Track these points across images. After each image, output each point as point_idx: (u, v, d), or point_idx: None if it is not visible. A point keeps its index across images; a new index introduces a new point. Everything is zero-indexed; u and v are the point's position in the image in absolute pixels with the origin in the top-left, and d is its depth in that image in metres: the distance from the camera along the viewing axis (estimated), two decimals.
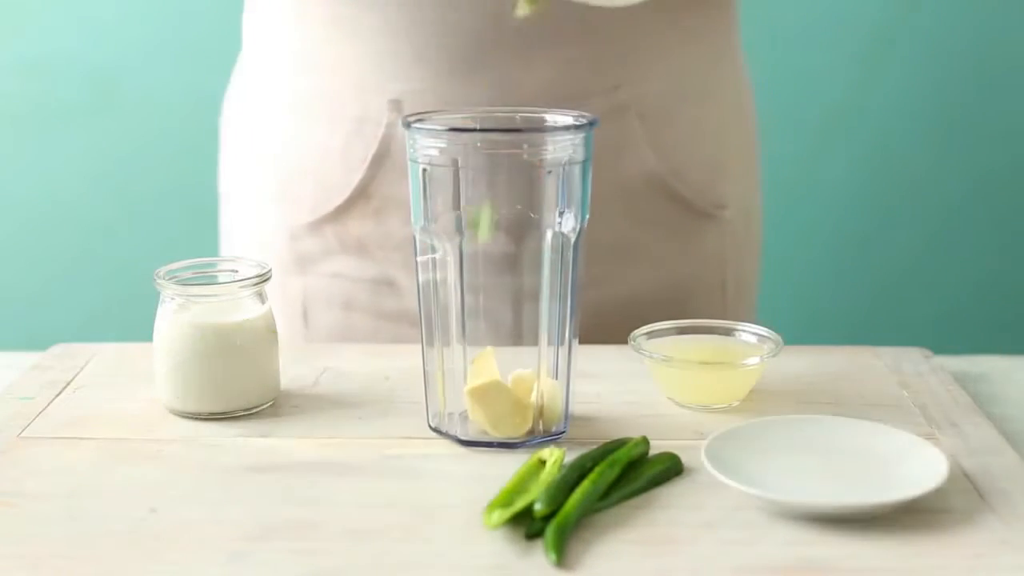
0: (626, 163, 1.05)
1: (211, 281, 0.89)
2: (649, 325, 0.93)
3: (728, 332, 0.93)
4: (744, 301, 1.16)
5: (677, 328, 0.93)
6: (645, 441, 0.80)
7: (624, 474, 0.76)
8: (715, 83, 1.10)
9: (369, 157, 1.05)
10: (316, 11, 1.05)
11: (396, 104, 1.03)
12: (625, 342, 0.92)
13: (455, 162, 0.79)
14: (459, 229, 0.80)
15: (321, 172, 1.07)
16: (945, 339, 1.43)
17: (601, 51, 1.02)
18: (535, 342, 0.81)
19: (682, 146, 1.07)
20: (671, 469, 0.78)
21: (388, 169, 1.05)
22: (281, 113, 1.09)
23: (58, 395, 0.91)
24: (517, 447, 0.82)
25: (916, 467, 0.76)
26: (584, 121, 0.81)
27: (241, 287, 0.88)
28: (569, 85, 1.00)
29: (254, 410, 0.88)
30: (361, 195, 1.06)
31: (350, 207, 1.07)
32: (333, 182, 1.07)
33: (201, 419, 0.87)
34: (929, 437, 0.83)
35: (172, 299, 0.87)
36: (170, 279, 0.87)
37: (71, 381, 0.94)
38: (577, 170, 0.80)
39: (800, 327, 1.91)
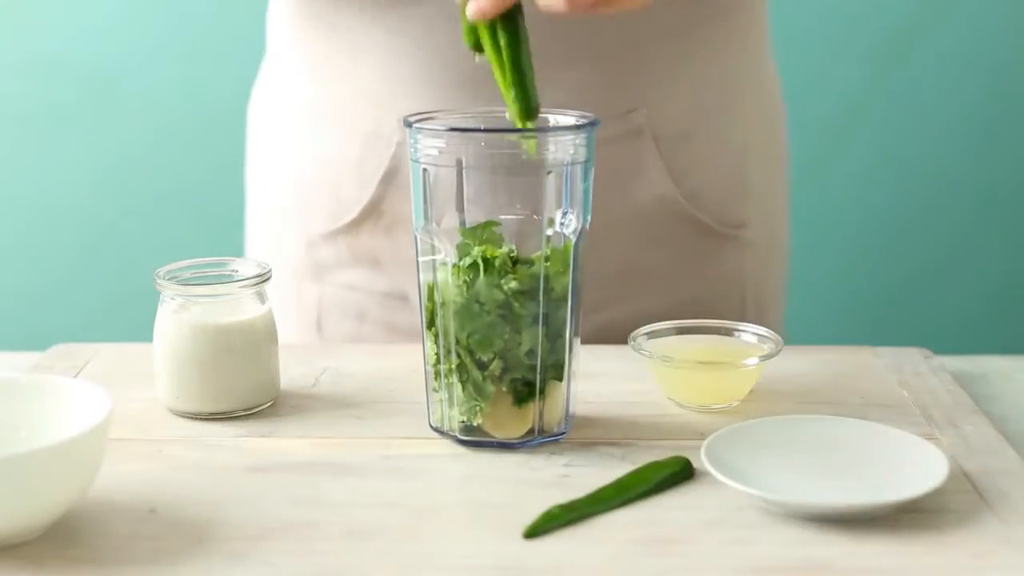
0: (639, 186, 1.03)
1: (211, 281, 0.89)
2: (649, 325, 0.93)
3: (728, 332, 0.93)
4: (767, 316, 1.12)
5: (677, 328, 0.93)
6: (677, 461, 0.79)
7: (633, 476, 0.76)
8: (738, 98, 1.07)
9: (380, 174, 1.04)
10: (328, 22, 1.04)
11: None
12: None
13: (457, 162, 0.79)
14: (460, 230, 0.80)
15: (336, 184, 1.07)
16: (945, 339, 1.43)
17: (615, 75, 1.00)
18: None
19: (700, 167, 1.05)
20: (681, 473, 0.78)
21: (399, 187, 1.04)
22: (301, 120, 1.09)
23: None
24: (517, 447, 0.82)
25: (916, 467, 0.76)
26: (585, 121, 0.81)
27: (241, 287, 0.88)
28: (582, 108, 0.99)
29: (254, 410, 0.88)
30: (373, 211, 1.06)
31: (362, 222, 1.06)
32: (347, 196, 1.06)
33: (201, 419, 0.87)
34: (929, 437, 0.83)
35: (172, 299, 0.87)
36: (170, 279, 0.87)
37: None
38: (579, 170, 0.80)
39: (800, 327, 1.91)
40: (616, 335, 1.02)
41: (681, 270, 1.07)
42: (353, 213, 1.06)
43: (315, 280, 1.10)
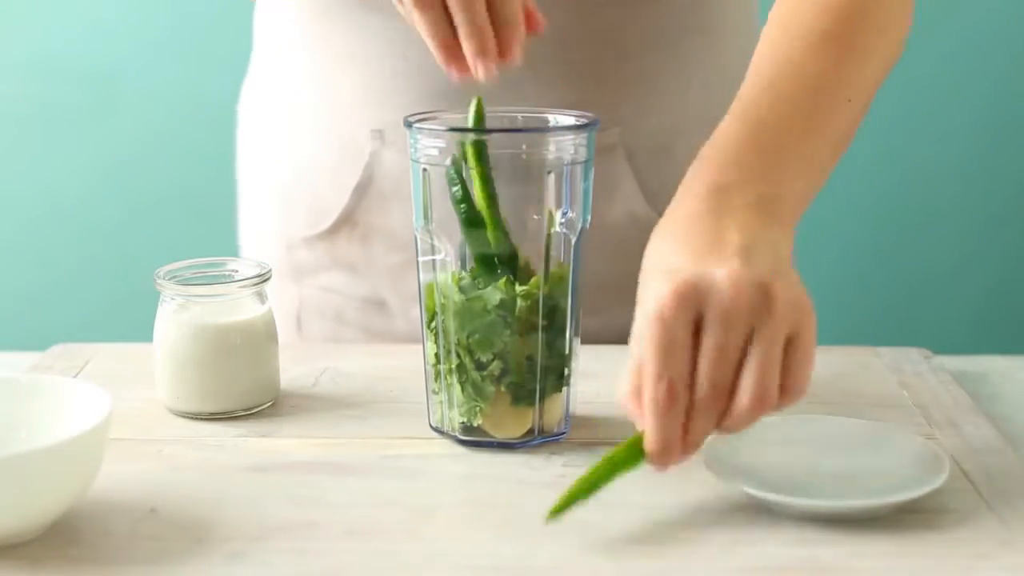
0: (611, 204, 1.02)
1: (211, 281, 0.89)
2: None
3: None
4: None
5: None
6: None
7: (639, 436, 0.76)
8: (718, 112, 1.07)
9: (353, 184, 1.04)
10: (309, 27, 1.04)
11: (379, 134, 1.02)
12: None
13: (457, 162, 0.79)
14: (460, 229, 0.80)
15: (315, 190, 1.07)
16: (945, 339, 1.43)
17: (589, 92, 0.99)
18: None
19: (672, 184, 1.05)
20: None
21: (372, 198, 1.04)
22: (285, 123, 1.09)
23: None
24: (517, 447, 0.82)
25: (916, 467, 0.76)
26: (585, 121, 0.81)
27: (241, 287, 0.88)
28: None
29: (254, 410, 0.88)
30: (347, 220, 1.06)
31: (338, 230, 1.07)
32: (324, 202, 1.07)
33: (201, 419, 0.87)
34: (929, 437, 0.83)
35: (172, 299, 0.87)
36: (170, 279, 0.87)
37: None
38: (579, 170, 0.80)
39: None
40: (597, 342, 1.02)
41: None
42: (329, 221, 1.06)
43: (295, 281, 1.11)
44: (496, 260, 0.80)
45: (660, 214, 1.03)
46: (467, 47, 0.76)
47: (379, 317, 1.08)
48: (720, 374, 0.70)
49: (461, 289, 0.80)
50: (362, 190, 1.04)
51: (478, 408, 0.81)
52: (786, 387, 0.71)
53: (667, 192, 1.03)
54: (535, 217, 0.80)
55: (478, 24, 0.76)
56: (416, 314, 1.06)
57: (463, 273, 0.80)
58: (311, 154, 1.07)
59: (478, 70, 0.77)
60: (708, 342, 0.70)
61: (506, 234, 0.79)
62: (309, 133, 1.07)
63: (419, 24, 0.77)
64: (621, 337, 0.94)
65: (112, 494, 0.76)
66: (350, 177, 1.04)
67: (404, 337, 1.07)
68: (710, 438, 0.78)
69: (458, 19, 0.76)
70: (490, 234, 0.79)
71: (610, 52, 0.99)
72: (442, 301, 0.81)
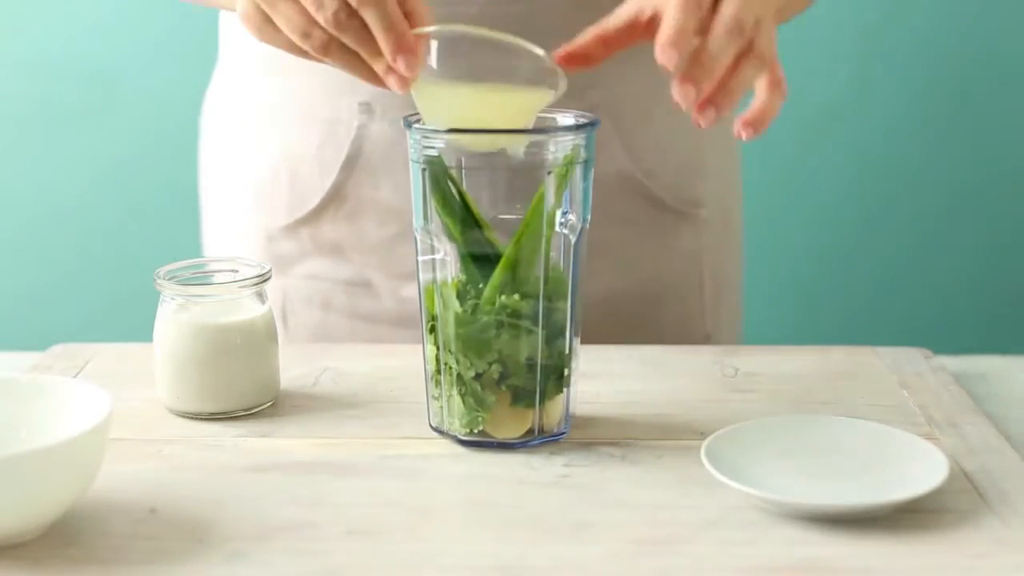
0: (599, 161, 1.04)
1: (211, 281, 0.89)
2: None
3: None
4: (725, 301, 1.15)
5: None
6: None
7: None
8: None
9: (341, 159, 1.05)
10: None
11: (366, 106, 1.04)
12: (603, 340, 0.91)
13: (456, 162, 0.79)
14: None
15: (296, 175, 1.08)
16: (945, 339, 1.43)
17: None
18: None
19: (656, 145, 1.07)
20: None
21: (361, 171, 1.05)
22: (256, 116, 1.10)
23: None
24: (517, 447, 0.82)
25: (916, 467, 0.76)
26: (585, 121, 0.81)
27: (241, 287, 0.88)
28: None
29: (254, 410, 0.88)
30: (335, 198, 1.07)
31: (324, 210, 1.07)
32: (307, 185, 1.07)
33: (201, 419, 0.87)
34: (929, 437, 0.83)
35: (172, 299, 0.87)
36: (170, 279, 0.87)
37: None
38: (578, 170, 0.80)
39: (799, 327, 1.91)
40: (583, 314, 1.02)
41: (640, 246, 1.09)
42: (314, 202, 1.07)
43: (277, 274, 1.11)
44: (476, 258, 0.80)
45: (646, 171, 1.06)
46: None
47: (365, 299, 1.09)
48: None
49: (459, 296, 0.80)
50: (351, 165, 1.05)
51: (480, 418, 0.81)
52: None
53: (651, 153, 1.07)
54: None
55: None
56: (404, 293, 1.07)
57: (461, 277, 0.80)
58: (292, 140, 1.07)
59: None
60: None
61: (478, 230, 0.79)
62: (289, 119, 1.07)
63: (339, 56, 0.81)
64: (606, 299, 0.95)
65: (112, 494, 0.76)
66: (336, 153, 1.05)
67: (392, 318, 1.07)
68: (710, 437, 0.78)
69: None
70: (456, 233, 0.79)
71: (585, 15, 0.99)
72: (442, 303, 0.80)
